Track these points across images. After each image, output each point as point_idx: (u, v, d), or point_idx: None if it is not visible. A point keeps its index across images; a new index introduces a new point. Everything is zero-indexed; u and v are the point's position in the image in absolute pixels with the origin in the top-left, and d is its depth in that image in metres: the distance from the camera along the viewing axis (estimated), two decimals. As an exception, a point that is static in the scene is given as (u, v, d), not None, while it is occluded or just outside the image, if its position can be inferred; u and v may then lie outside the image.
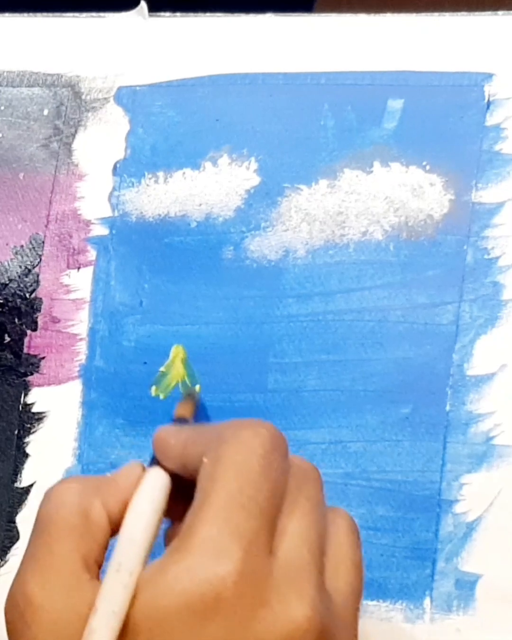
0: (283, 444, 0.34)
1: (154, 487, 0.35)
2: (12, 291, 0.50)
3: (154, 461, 0.37)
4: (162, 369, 0.48)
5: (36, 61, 0.53)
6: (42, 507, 0.35)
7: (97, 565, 0.33)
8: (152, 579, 0.31)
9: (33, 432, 0.49)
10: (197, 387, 0.47)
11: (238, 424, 0.34)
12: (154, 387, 0.47)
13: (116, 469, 0.37)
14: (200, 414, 0.47)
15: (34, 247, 0.51)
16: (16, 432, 0.49)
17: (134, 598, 0.31)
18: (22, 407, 0.49)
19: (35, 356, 0.50)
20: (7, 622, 0.33)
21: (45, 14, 0.54)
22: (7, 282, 0.50)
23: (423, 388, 0.45)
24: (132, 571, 0.31)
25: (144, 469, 0.37)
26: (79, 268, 0.50)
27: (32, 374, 0.50)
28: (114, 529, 0.35)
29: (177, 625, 0.30)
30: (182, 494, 0.35)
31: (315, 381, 0.46)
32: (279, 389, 0.47)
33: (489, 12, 0.49)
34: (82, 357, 0.49)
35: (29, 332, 0.50)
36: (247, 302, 0.48)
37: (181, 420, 0.44)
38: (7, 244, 0.51)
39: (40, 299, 0.50)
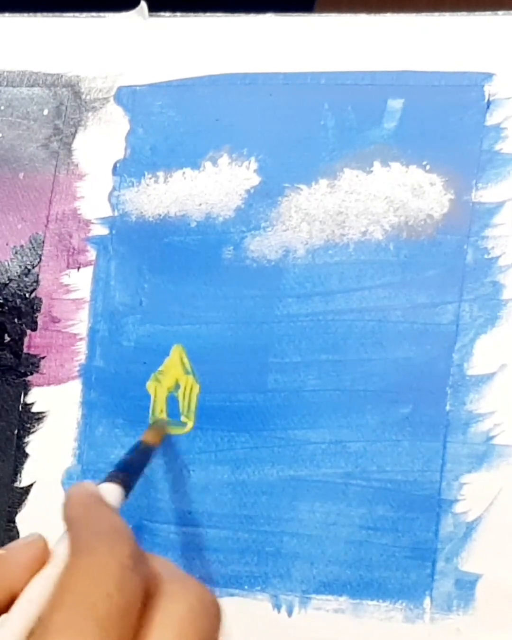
0: (141, 564, 0.31)
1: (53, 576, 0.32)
2: (12, 291, 0.50)
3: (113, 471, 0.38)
4: (161, 368, 0.48)
5: (36, 61, 0.53)
6: None
7: None
8: None
9: (33, 432, 0.49)
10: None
11: (98, 539, 0.32)
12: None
13: (10, 544, 0.34)
14: (201, 414, 0.47)
15: (33, 247, 0.51)
16: (16, 432, 0.49)
17: None
18: (22, 407, 0.49)
19: (35, 356, 0.50)
20: None
21: (45, 14, 0.54)
22: (7, 282, 0.50)
23: (423, 388, 0.45)
24: None
25: (46, 547, 0.34)
26: (79, 268, 0.50)
27: (32, 373, 0.50)
28: None
29: None
30: None
31: (315, 381, 0.46)
32: (279, 389, 0.47)
33: (489, 12, 0.49)
34: (82, 356, 0.49)
35: (28, 331, 0.50)
36: (247, 301, 0.48)
37: (147, 446, 0.45)
38: (7, 244, 0.51)
39: (40, 298, 0.50)
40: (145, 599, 0.31)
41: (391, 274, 0.46)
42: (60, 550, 0.33)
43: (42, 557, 0.33)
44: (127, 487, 0.40)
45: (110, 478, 0.40)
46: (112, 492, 0.39)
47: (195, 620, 0.31)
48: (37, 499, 0.49)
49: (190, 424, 0.47)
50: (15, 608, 0.32)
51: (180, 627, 0.30)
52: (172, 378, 0.48)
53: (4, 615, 0.31)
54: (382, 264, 0.47)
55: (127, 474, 0.41)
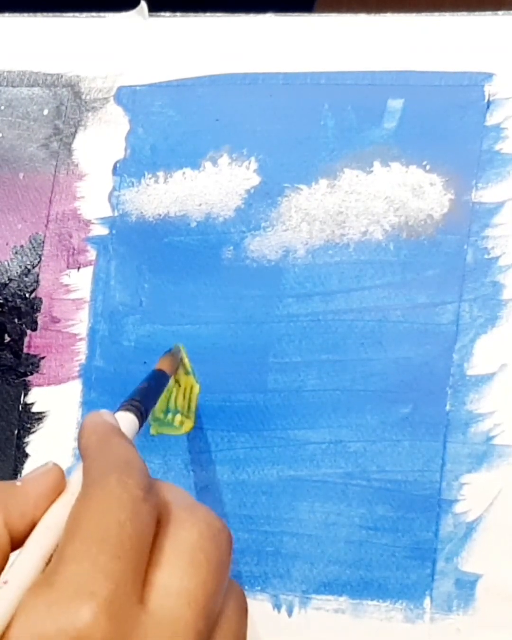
0: (152, 495, 0.32)
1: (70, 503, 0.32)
2: (12, 291, 0.50)
3: (127, 402, 0.38)
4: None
5: (36, 61, 0.53)
6: None
7: None
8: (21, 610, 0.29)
9: (33, 432, 0.49)
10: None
11: (110, 469, 0.32)
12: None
13: (26, 474, 0.34)
14: (201, 414, 0.47)
15: (33, 247, 0.51)
16: (16, 431, 0.49)
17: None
18: (22, 407, 0.49)
19: (35, 356, 0.50)
20: None
21: (45, 14, 0.54)
22: (7, 282, 0.50)
23: (423, 388, 0.45)
24: (19, 587, 0.30)
25: (62, 475, 0.34)
26: (79, 268, 0.50)
27: (32, 373, 0.50)
28: (16, 545, 0.32)
29: None
30: None
31: (315, 381, 0.46)
32: (279, 389, 0.47)
33: (489, 12, 0.49)
34: (82, 357, 0.49)
35: (28, 331, 0.50)
36: (247, 301, 0.48)
37: (161, 373, 0.44)
38: (7, 244, 0.51)
39: (40, 298, 0.50)
40: (157, 528, 0.31)
41: (391, 274, 0.46)
42: (75, 479, 0.34)
43: (58, 486, 0.34)
44: (142, 414, 0.40)
45: (125, 407, 0.40)
46: (127, 420, 0.39)
47: (205, 546, 0.31)
48: (37, 499, 0.49)
49: (190, 424, 0.47)
50: (32, 536, 0.32)
51: (191, 554, 0.31)
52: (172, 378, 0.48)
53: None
54: (382, 264, 0.47)
55: (140, 402, 0.41)
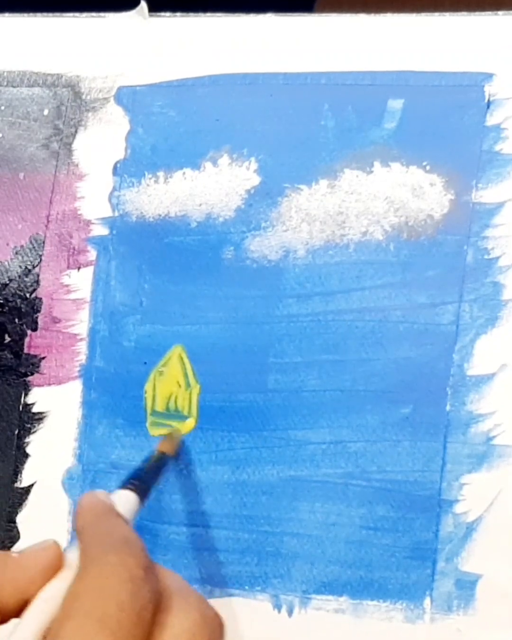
0: (151, 576, 0.32)
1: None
2: (13, 291, 0.50)
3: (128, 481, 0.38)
4: (160, 368, 0.48)
5: (36, 61, 0.53)
6: None
7: None
8: None
9: (33, 432, 0.49)
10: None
11: (113, 548, 0.32)
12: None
13: (26, 548, 0.35)
14: (203, 415, 0.47)
15: (34, 247, 0.51)
16: (16, 432, 0.49)
17: None
18: (22, 407, 0.49)
19: (35, 356, 0.50)
20: None
21: (45, 14, 0.54)
22: (8, 282, 0.50)
23: (423, 388, 0.45)
24: None
25: (60, 552, 0.34)
26: (79, 268, 0.50)
27: (32, 374, 0.50)
28: (5, 617, 0.32)
29: None
30: None
31: (315, 381, 0.46)
32: (279, 389, 0.47)
33: (489, 12, 0.49)
34: (83, 357, 0.49)
35: (29, 332, 0.50)
36: (247, 302, 0.48)
37: (163, 455, 0.45)
38: (7, 244, 0.51)
39: (41, 299, 0.50)
40: (155, 611, 0.31)
41: (391, 274, 0.46)
42: (73, 557, 0.34)
43: (56, 563, 0.34)
44: (142, 494, 0.40)
45: (125, 485, 0.40)
46: (127, 499, 0.39)
47: (199, 634, 0.31)
48: (37, 499, 0.49)
49: (191, 424, 0.47)
50: (30, 610, 0.32)
51: None
52: (173, 378, 0.48)
53: (18, 619, 0.32)
54: (383, 264, 0.47)
55: (142, 481, 0.41)
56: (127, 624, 0.30)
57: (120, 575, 0.31)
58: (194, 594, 0.33)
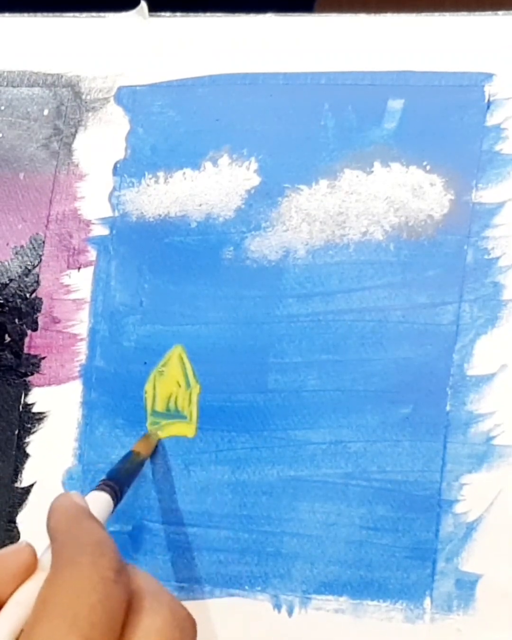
0: (123, 577, 0.32)
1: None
2: (13, 291, 0.50)
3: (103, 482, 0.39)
4: (160, 368, 0.48)
5: (36, 61, 0.53)
6: None
7: None
8: None
9: (33, 432, 0.49)
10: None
11: (84, 551, 0.33)
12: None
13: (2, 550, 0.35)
14: (203, 415, 0.47)
15: (34, 247, 0.51)
16: (16, 432, 0.49)
17: None
18: (22, 407, 0.49)
19: (35, 356, 0.50)
20: None
21: (45, 14, 0.54)
22: (8, 282, 0.50)
23: (423, 388, 0.45)
24: None
25: (34, 555, 0.35)
26: (79, 268, 0.50)
27: (32, 374, 0.50)
28: None
29: None
30: None
31: (315, 381, 0.46)
32: (279, 389, 0.47)
33: (489, 12, 0.49)
34: (83, 357, 0.49)
35: (29, 332, 0.50)
36: (247, 302, 0.48)
37: (138, 456, 0.45)
38: (7, 244, 0.51)
39: (41, 299, 0.50)
40: (126, 612, 0.32)
41: (391, 275, 0.46)
42: (46, 559, 0.34)
43: (30, 565, 0.34)
44: (117, 495, 0.41)
45: (99, 487, 0.40)
46: (101, 500, 0.40)
47: (170, 634, 0.32)
48: (37, 499, 0.49)
49: (193, 427, 0.47)
50: (2, 613, 0.32)
51: None
52: (173, 378, 0.48)
53: None
54: (383, 264, 0.47)
55: (116, 481, 0.42)
56: (99, 625, 0.30)
57: (92, 577, 0.31)
58: (167, 594, 0.34)
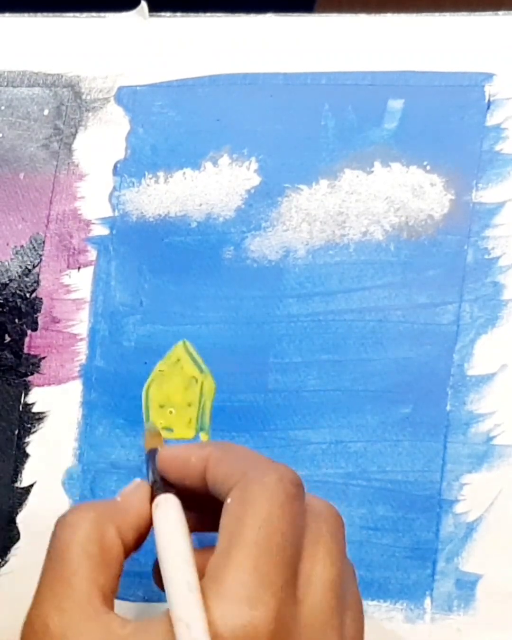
0: (301, 489, 0.34)
1: (177, 521, 0.34)
2: (13, 291, 0.50)
3: (160, 481, 0.37)
4: (160, 367, 0.48)
5: (36, 61, 0.53)
6: (57, 534, 0.35)
7: (112, 595, 0.34)
8: None
9: (33, 432, 0.49)
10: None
11: (262, 466, 0.34)
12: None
13: (122, 491, 0.37)
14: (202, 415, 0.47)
15: (34, 247, 0.51)
16: (16, 432, 0.49)
17: None
18: (22, 407, 0.49)
19: (35, 356, 0.50)
20: None
21: (45, 14, 0.54)
22: (8, 282, 0.50)
23: (423, 388, 0.45)
24: (200, 620, 0.31)
25: (151, 490, 0.37)
26: (79, 268, 0.50)
27: (32, 373, 0.50)
28: (128, 554, 0.35)
29: None
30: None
31: (315, 381, 0.46)
32: (279, 389, 0.47)
33: (490, 12, 0.49)
34: (83, 357, 0.49)
35: (29, 332, 0.50)
36: (247, 302, 0.48)
37: (153, 452, 0.44)
38: (7, 244, 0.51)
39: (41, 298, 0.50)
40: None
41: (391, 274, 0.46)
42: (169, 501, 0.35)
43: (148, 498, 0.36)
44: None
45: (163, 490, 0.38)
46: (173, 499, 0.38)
47: (336, 536, 0.34)
48: (37, 498, 0.49)
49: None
50: (167, 552, 0.33)
51: (327, 545, 0.33)
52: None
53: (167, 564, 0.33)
54: (383, 264, 0.47)
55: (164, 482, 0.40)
56: (289, 550, 0.32)
57: (283, 501, 0.32)
58: (321, 499, 0.35)
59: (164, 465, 0.38)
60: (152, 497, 0.37)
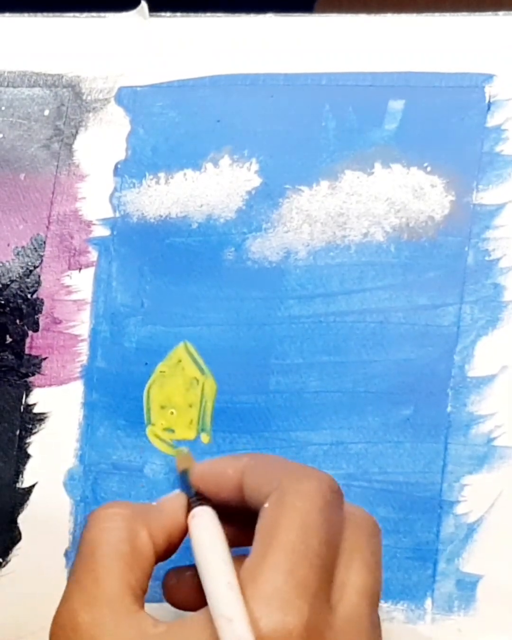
0: (341, 496, 0.34)
1: (214, 526, 0.35)
2: (14, 292, 0.50)
3: (196, 496, 0.38)
4: (161, 368, 0.48)
5: (37, 61, 0.53)
6: (88, 531, 0.35)
7: (143, 594, 0.34)
8: None
9: (35, 433, 0.49)
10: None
11: (301, 472, 0.34)
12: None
13: (160, 498, 0.38)
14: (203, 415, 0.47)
15: (35, 248, 0.51)
16: (18, 432, 0.49)
17: None
18: (23, 408, 0.49)
19: (36, 357, 0.50)
20: None
21: (45, 14, 0.53)
22: (9, 283, 0.50)
23: (424, 389, 0.45)
24: (242, 615, 0.31)
25: (189, 502, 0.37)
26: (80, 269, 0.50)
27: (33, 374, 0.50)
28: (158, 559, 0.35)
29: None
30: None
31: (316, 382, 0.46)
32: (280, 391, 0.47)
33: (490, 13, 0.49)
34: (84, 358, 0.49)
35: (30, 332, 0.50)
36: (248, 303, 0.48)
37: (186, 472, 0.44)
38: (8, 245, 0.51)
39: (42, 299, 0.50)
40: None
41: (392, 276, 0.47)
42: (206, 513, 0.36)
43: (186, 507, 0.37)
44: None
45: (198, 503, 0.38)
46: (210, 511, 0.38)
47: (373, 545, 0.34)
48: (39, 499, 0.49)
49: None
50: (206, 554, 0.33)
51: (364, 553, 0.34)
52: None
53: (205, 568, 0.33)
54: (383, 265, 0.47)
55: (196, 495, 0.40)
56: (325, 555, 0.32)
57: (321, 506, 0.32)
58: (359, 507, 0.36)
59: (200, 478, 0.38)
60: (188, 511, 0.37)
